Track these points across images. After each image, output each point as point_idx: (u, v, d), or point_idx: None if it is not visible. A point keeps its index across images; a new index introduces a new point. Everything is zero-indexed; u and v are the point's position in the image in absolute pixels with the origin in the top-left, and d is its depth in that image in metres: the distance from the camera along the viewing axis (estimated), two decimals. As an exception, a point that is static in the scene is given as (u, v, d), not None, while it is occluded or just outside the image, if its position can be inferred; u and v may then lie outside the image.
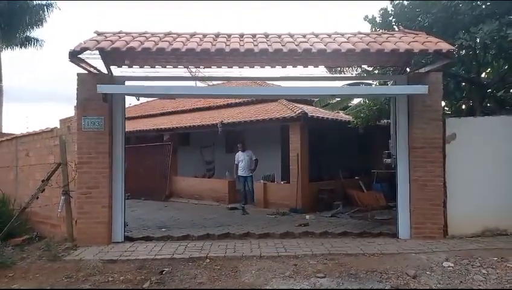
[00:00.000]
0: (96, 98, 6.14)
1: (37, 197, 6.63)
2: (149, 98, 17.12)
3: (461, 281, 4.58)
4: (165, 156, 13.72)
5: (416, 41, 6.16)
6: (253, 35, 6.74)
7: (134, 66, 7.11)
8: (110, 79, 6.65)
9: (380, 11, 8.29)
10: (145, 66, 7.20)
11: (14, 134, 10.68)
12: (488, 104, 8.86)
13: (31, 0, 17.55)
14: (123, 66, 6.99)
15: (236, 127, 11.62)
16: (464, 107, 9.29)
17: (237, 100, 13.42)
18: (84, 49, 5.84)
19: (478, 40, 6.59)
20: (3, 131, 16.36)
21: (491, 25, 6.44)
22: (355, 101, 11.31)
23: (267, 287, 4.50)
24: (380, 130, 10.21)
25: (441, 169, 6.41)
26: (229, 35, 6.71)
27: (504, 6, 6.93)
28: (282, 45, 6.11)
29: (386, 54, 6.18)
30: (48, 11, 17.66)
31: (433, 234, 6.33)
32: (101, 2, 68.96)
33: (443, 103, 8.13)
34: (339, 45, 6.04)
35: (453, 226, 6.42)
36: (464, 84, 8.56)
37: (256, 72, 7.52)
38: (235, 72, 7.50)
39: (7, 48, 18.39)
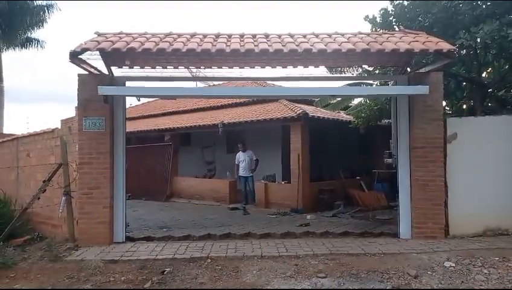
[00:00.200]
0: (97, 98, 6.15)
1: (38, 198, 6.64)
2: (150, 98, 17.17)
3: (463, 281, 4.57)
4: (165, 156, 13.73)
5: (417, 41, 6.16)
6: (254, 36, 6.74)
7: (134, 67, 7.12)
8: (111, 80, 6.65)
9: (380, 11, 8.29)
10: (145, 67, 7.21)
11: (15, 134, 10.69)
12: (489, 104, 8.86)
13: (32, 1, 17.57)
14: (124, 67, 6.99)
15: (237, 127, 11.63)
16: (464, 106, 9.29)
17: (238, 100, 13.42)
18: (84, 50, 5.84)
19: (479, 40, 6.58)
20: (4, 132, 16.38)
21: (491, 25, 6.43)
22: (356, 101, 11.31)
23: (269, 287, 4.50)
24: (380, 130, 10.21)
25: (442, 169, 6.41)
26: (230, 36, 6.72)
27: (504, 6, 6.92)
28: (282, 45, 6.11)
29: (386, 54, 6.18)
30: (48, 12, 17.68)
31: (435, 233, 6.32)
32: (101, 3, 69.02)
33: (444, 103, 8.12)
34: (339, 45, 6.03)
35: (454, 226, 6.41)
36: (464, 84, 8.55)
37: (257, 72, 7.53)
38: (236, 72, 7.50)
39: (8, 48, 18.40)
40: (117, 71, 6.97)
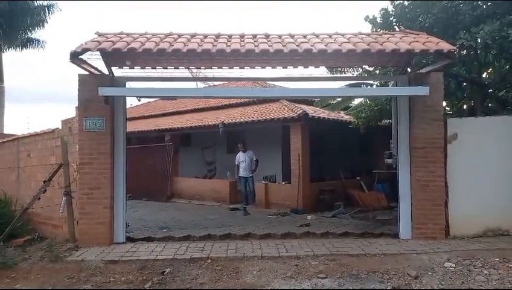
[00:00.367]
0: (98, 99, 6.15)
1: (39, 198, 6.64)
2: (150, 98, 17.18)
3: (463, 282, 4.57)
4: (166, 156, 13.74)
5: (417, 41, 6.16)
6: (254, 36, 6.74)
7: (135, 67, 7.12)
8: (111, 80, 6.66)
9: (380, 11, 8.29)
10: (146, 67, 7.21)
11: (15, 135, 10.70)
12: (490, 104, 8.85)
13: (32, 1, 17.58)
14: (124, 67, 7.00)
15: (237, 128, 11.63)
16: (465, 107, 9.28)
17: (238, 101, 13.42)
18: (85, 50, 5.84)
19: (479, 40, 6.58)
20: (5, 132, 16.39)
21: (492, 25, 6.43)
22: (356, 101, 11.31)
23: (269, 288, 4.50)
24: (381, 130, 10.21)
25: (442, 169, 6.41)
26: (230, 36, 6.72)
27: (505, 6, 6.92)
28: (283, 46, 6.11)
29: (386, 54, 6.18)
30: (49, 13, 17.68)
31: (435, 234, 6.32)
32: (102, 3, 69.07)
33: (444, 103, 8.12)
34: (339, 45, 6.03)
35: (454, 226, 6.41)
36: (465, 84, 8.55)
37: (257, 72, 7.53)
38: (236, 72, 7.50)
39: (8, 49, 18.41)
40: (117, 71, 6.98)
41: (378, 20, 8.33)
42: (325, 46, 6.04)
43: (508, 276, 4.66)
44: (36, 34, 18.50)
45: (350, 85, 9.43)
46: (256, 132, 11.77)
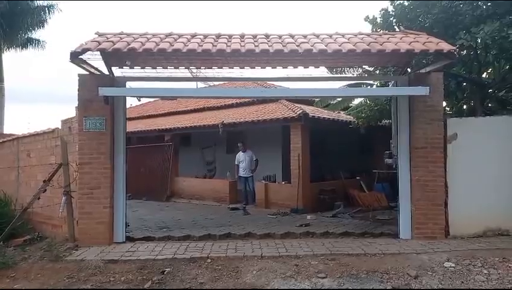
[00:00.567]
0: (98, 99, 6.15)
1: (39, 198, 6.65)
2: (150, 98, 17.18)
3: (463, 282, 4.57)
4: (166, 156, 13.73)
5: (417, 41, 6.16)
6: (254, 36, 6.74)
7: (135, 67, 7.12)
8: (111, 80, 6.66)
9: (380, 11, 8.30)
10: (146, 67, 7.21)
11: (15, 135, 10.70)
12: (489, 105, 8.86)
13: (33, 1, 17.60)
14: (124, 67, 7.00)
15: (237, 128, 11.62)
16: (465, 107, 9.29)
17: (238, 100, 13.42)
18: (85, 50, 5.84)
19: (479, 41, 6.59)
20: (5, 132, 16.39)
21: (492, 26, 6.43)
22: (356, 101, 11.30)
23: (269, 288, 4.51)
24: (381, 130, 10.21)
25: (442, 169, 6.41)
26: (230, 36, 6.72)
27: (505, 7, 6.92)
28: (283, 46, 6.11)
29: (387, 55, 6.18)
30: (49, 13, 17.71)
31: (435, 234, 6.32)
32: (102, 3, 69.10)
33: (444, 103, 8.12)
34: (339, 46, 6.04)
35: (454, 226, 6.41)
36: (465, 84, 8.55)
37: (257, 72, 7.53)
38: (236, 72, 7.50)
39: (9, 49, 18.43)
40: (117, 71, 6.98)
41: (378, 20, 8.33)
42: (325, 46, 6.05)
43: (508, 276, 4.67)
44: (36, 34, 18.55)
45: (350, 85, 9.44)
46: (256, 131, 11.76)
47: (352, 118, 10.65)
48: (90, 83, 6.31)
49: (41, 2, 17.77)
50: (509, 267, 4.92)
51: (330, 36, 6.62)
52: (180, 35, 6.67)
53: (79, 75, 6.41)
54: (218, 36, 6.73)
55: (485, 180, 6.51)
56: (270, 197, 10.83)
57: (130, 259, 5.50)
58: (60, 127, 7.36)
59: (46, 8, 17.65)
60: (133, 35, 6.55)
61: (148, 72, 7.33)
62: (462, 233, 6.38)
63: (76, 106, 6.47)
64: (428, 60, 7.32)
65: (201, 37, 6.65)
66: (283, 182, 10.95)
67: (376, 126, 10.18)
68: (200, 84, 10.02)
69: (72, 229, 6.47)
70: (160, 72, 7.37)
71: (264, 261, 5.34)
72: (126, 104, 6.97)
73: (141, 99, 8.36)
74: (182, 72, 7.52)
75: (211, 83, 9.94)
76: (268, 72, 7.42)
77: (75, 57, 5.88)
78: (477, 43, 6.69)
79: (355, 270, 4.92)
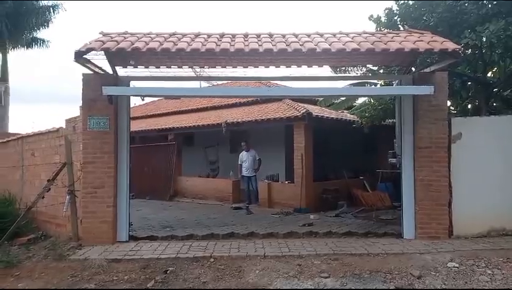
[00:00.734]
0: (102, 98, 6.18)
1: (43, 197, 6.67)
2: (154, 98, 17.22)
3: (466, 282, 4.55)
4: (169, 156, 13.75)
5: (422, 40, 6.13)
6: (258, 35, 6.73)
7: (139, 66, 7.13)
8: (115, 79, 6.68)
9: (385, 10, 8.27)
10: (150, 66, 7.22)
11: (20, 134, 10.75)
12: (494, 104, 8.81)
13: (38, 1, 17.70)
14: (128, 66, 7.01)
15: (241, 127, 11.62)
16: (469, 106, 9.24)
17: (241, 100, 13.41)
18: (89, 50, 5.86)
19: (484, 39, 6.55)
20: (10, 131, 16.49)
21: (497, 24, 6.39)
22: (360, 100, 11.28)
23: (271, 287, 4.51)
24: (385, 130, 10.17)
25: (446, 169, 6.38)
26: (234, 36, 6.72)
27: (510, 5, 6.87)
28: (286, 45, 6.10)
29: (391, 54, 6.15)
30: (53, 13, 17.81)
31: (438, 234, 6.30)
32: (106, 3, 69.31)
33: (449, 103, 8.08)
34: (343, 45, 6.02)
35: (458, 226, 6.38)
36: (469, 83, 8.51)
37: (261, 72, 7.51)
38: (240, 72, 7.48)
39: (14, 48, 18.54)
40: (121, 71, 6.99)
41: (383, 19, 8.30)
42: (329, 45, 6.03)
43: (512, 276, 4.64)
44: (41, 33, 18.66)
45: (354, 84, 9.40)
46: (260, 131, 11.75)
47: (355, 117, 10.62)
48: (94, 83, 6.34)
49: (46, 2, 17.88)
50: (514, 267, 4.89)
51: (334, 35, 6.60)
52: (183, 35, 6.68)
53: (83, 74, 6.43)
54: (222, 36, 6.73)
55: (490, 180, 6.47)
56: (273, 197, 10.83)
57: (133, 258, 5.52)
58: (64, 127, 7.39)
59: (51, 8, 17.76)
60: (137, 35, 6.56)
61: (152, 71, 7.34)
62: (466, 233, 6.35)
63: (81, 105, 6.50)
64: (433, 59, 7.29)
65: (205, 36, 6.65)
66: (286, 182, 10.94)
67: (380, 125, 10.15)
68: (204, 84, 10.05)
69: (75, 228, 6.50)
70: (164, 71, 7.38)
71: (266, 261, 5.34)
72: (130, 104, 6.99)
73: (144, 98, 8.37)
74: (186, 71, 7.52)
75: (215, 83, 9.96)
76: (271, 71, 7.42)
77: (80, 57, 5.90)
78: (482, 42, 6.65)
79: (358, 270, 4.91)
